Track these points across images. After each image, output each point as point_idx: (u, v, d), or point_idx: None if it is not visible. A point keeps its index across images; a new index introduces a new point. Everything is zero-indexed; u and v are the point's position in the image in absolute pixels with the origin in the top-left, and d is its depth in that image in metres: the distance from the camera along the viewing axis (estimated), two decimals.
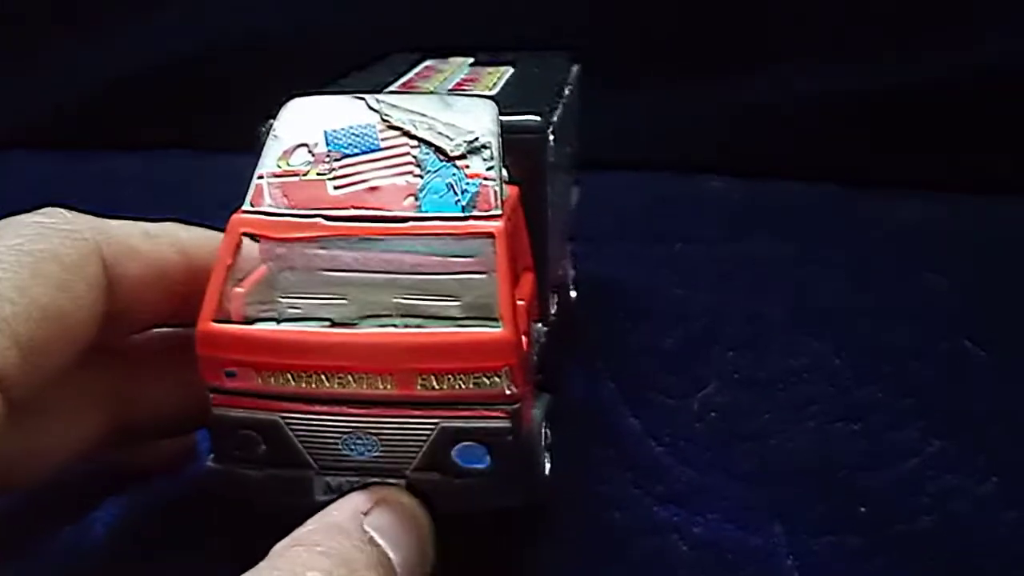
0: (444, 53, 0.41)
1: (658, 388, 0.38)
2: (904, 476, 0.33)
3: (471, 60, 0.40)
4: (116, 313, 0.27)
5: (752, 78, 0.54)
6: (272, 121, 0.28)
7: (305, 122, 0.27)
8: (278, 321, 0.25)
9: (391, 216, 0.26)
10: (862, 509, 0.32)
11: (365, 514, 0.25)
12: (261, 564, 0.23)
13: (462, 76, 0.37)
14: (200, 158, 0.61)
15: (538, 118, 0.30)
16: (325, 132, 0.27)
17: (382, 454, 0.25)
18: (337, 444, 0.25)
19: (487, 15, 0.54)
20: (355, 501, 0.25)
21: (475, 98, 0.28)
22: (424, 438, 0.25)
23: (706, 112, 0.54)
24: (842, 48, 0.53)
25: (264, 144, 0.27)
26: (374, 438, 0.25)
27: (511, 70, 0.38)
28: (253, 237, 0.26)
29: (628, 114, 0.54)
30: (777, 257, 0.48)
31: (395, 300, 0.25)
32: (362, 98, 0.28)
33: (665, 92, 0.54)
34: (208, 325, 0.25)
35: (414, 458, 0.25)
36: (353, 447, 0.25)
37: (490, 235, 0.25)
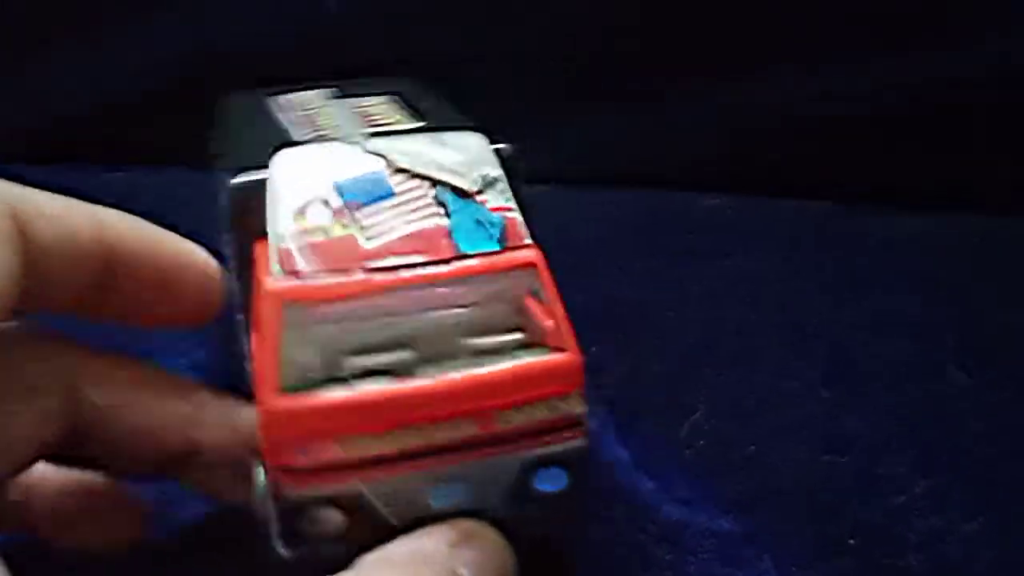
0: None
1: (647, 414, 0.37)
2: (893, 509, 0.33)
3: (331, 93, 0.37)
4: (30, 278, 0.25)
5: (746, 90, 0.53)
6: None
7: (306, 175, 0.26)
8: (347, 381, 0.24)
9: (434, 260, 0.25)
10: (851, 541, 0.32)
11: (454, 547, 0.24)
12: (345, 572, 0.23)
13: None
14: (196, 173, 0.59)
15: (513, 143, 0.29)
16: (335, 184, 0.26)
17: (468, 497, 0.25)
18: (425, 498, 0.25)
19: (485, 19, 0.53)
20: (445, 534, 0.24)
21: (463, 131, 0.28)
22: (509, 472, 0.25)
23: (698, 127, 0.53)
24: (840, 56, 0.52)
25: (266, 201, 0.26)
26: (460, 484, 0.25)
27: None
28: (296, 304, 0.24)
29: (615, 129, 0.53)
30: (769, 275, 0.47)
31: (459, 340, 0.25)
32: (356, 143, 0.27)
33: (657, 103, 0.54)
34: (274, 401, 0.24)
35: (499, 494, 0.25)
36: (439, 497, 0.25)
37: (532, 265, 0.26)
